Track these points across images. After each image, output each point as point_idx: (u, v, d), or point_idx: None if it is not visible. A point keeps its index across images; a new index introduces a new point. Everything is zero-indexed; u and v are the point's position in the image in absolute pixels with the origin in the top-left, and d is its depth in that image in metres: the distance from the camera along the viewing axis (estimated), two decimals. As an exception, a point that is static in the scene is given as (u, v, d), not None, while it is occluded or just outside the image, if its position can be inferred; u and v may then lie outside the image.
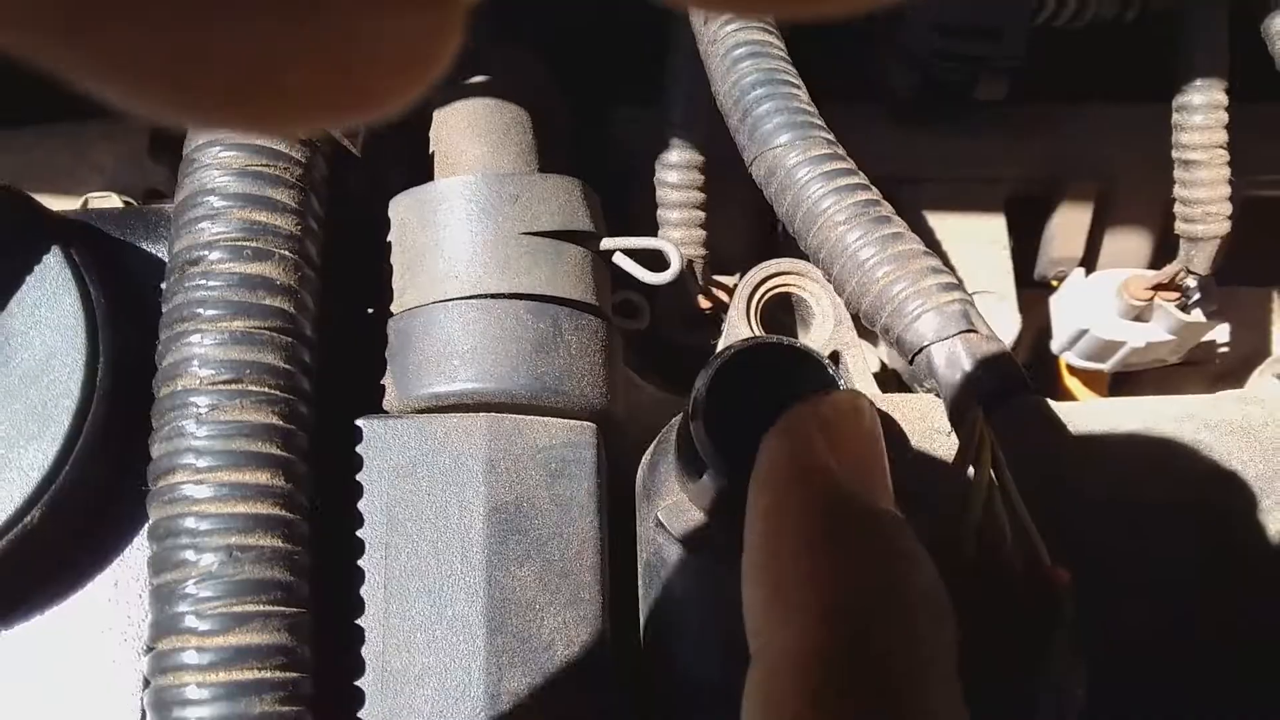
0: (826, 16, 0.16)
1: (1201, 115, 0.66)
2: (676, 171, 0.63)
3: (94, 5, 0.13)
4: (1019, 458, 0.40)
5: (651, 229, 0.67)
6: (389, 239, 0.55)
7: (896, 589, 0.31)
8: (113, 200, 0.77)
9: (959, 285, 0.42)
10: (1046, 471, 0.44)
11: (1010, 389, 0.39)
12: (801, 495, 0.33)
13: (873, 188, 0.46)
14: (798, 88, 0.48)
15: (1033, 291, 0.84)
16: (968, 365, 0.39)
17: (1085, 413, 0.54)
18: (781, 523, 0.33)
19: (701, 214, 0.64)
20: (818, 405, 0.35)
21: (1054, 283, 0.85)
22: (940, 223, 0.77)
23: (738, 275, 0.74)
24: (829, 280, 0.45)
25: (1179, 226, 0.71)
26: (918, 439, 0.48)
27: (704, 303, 0.70)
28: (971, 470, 0.40)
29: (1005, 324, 0.75)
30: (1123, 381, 0.88)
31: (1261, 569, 0.52)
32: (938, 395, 0.50)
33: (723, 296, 0.72)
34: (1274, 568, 0.52)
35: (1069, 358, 0.83)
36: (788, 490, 0.33)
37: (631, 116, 0.71)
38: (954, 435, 0.48)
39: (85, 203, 0.77)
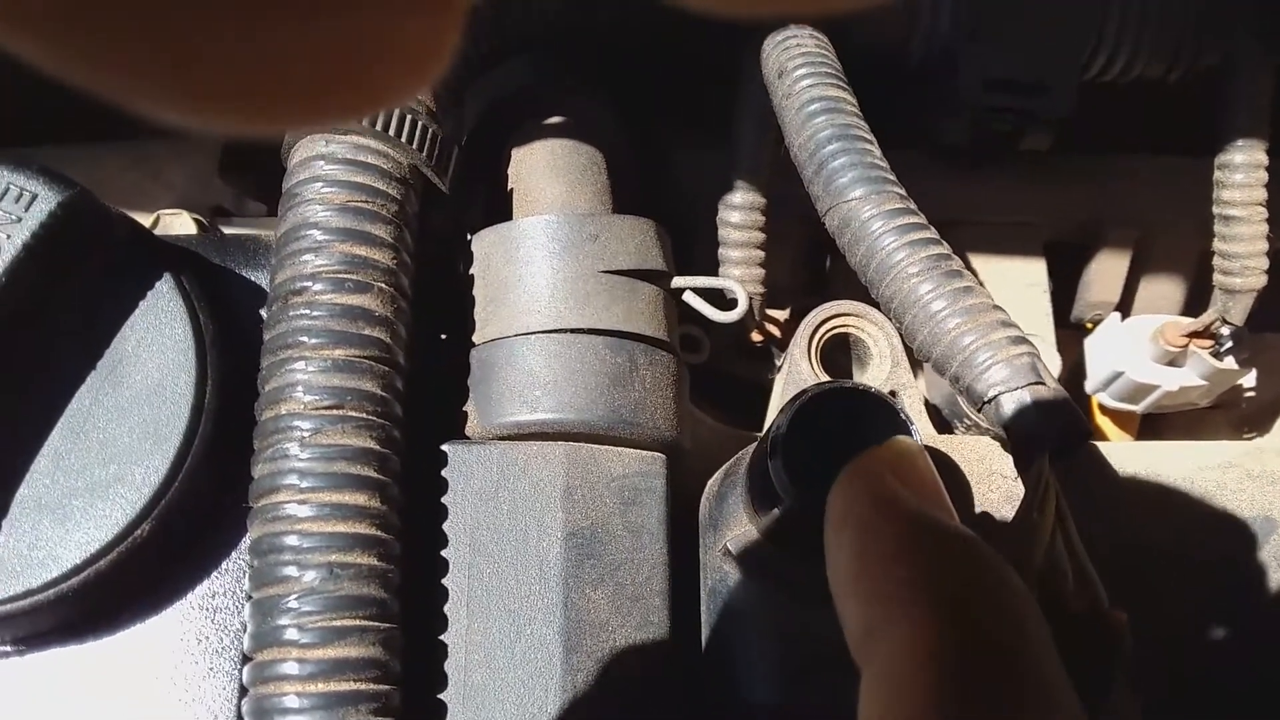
0: (831, 10, 0.17)
1: (1243, 174, 0.68)
2: (739, 212, 0.66)
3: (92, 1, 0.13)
4: (1080, 504, 0.43)
5: (705, 265, 0.69)
6: (471, 272, 0.57)
7: (998, 584, 0.33)
8: (184, 217, 0.80)
9: (1026, 339, 0.45)
10: (1105, 519, 0.47)
11: (1074, 440, 0.42)
12: (886, 514, 0.35)
13: (944, 242, 0.48)
14: (871, 143, 0.51)
15: (1067, 332, 0.86)
16: (1035, 415, 0.42)
17: (1131, 455, 0.56)
18: (870, 539, 0.35)
19: (761, 253, 0.67)
20: (886, 447, 0.38)
21: (1089, 325, 0.88)
22: (982, 265, 0.80)
23: (787, 310, 0.77)
24: (900, 330, 0.47)
25: (1217, 278, 0.73)
26: (975, 479, 0.51)
27: (756, 337, 0.73)
28: (1035, 514, 0.43)
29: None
30: (1152, 422, 0.91)
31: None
32: (994, 439, 0.53)
33: (773, 330, 0.74)
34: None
35: (1102, 398, 0.85)
36: (872, 512, 0.35)
37: (694, 159, 0.74)
38: (1011, 478, 0.50)
39: (158, 219, 0.80)
